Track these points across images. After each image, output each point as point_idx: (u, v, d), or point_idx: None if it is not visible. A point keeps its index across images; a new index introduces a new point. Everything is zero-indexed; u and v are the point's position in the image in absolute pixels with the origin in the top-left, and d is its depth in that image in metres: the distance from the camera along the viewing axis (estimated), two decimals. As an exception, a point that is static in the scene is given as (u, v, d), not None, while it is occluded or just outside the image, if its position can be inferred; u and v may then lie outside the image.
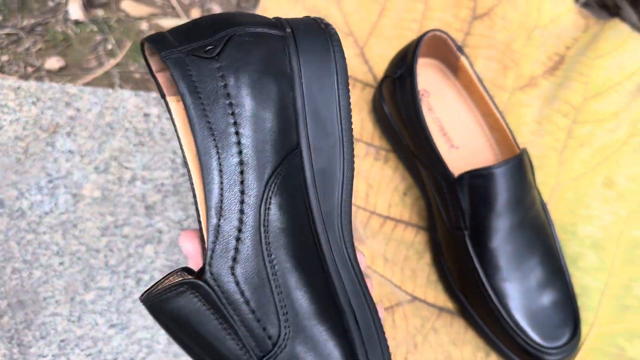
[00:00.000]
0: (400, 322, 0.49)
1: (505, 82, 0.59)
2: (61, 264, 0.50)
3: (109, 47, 0.66)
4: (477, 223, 0.48)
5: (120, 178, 0.53)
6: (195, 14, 0.70)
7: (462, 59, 0.52)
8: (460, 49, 0.52)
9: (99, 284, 0.50)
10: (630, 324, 0.52)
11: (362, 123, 0.58)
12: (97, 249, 0.51)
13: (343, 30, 0.60)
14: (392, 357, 0.48)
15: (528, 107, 0.58)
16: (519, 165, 0.47)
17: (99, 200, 0.53)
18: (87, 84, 0.62)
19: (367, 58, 0.60)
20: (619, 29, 0.58)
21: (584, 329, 0.52)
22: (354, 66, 0.60)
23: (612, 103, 0.57)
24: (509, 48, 0.59)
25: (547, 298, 0.49)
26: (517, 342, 0.48)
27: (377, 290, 0.50)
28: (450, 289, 0.52)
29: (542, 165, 0.56)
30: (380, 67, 0.59)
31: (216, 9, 0.71)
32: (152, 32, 0.68)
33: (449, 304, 0.52)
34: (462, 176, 0.48)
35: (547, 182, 0.56)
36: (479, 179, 0.47)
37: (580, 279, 0.53)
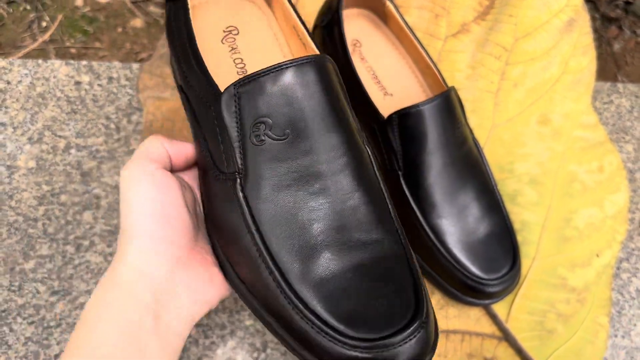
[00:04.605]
0: (341, 266, 0.49)
1: (438, 30, 0.60)
2: (-1, 236, 0.50)
3: (44, 24, 0.65)
4: (409, 162, 0.48)
5: (55, 147, 0.53)
6: (131, -13, 0.69)
7: (388, 4, 0.53)
8: (385, -6, 0.52)
9: (38, 253, 0.50)
10: (571, 254, 0.53)
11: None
12: (34, 218, 0.51)
13: (274, -10, 0.60)
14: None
15: (461, 53, 0.59)
16: (446, 102, 0.48)
17: (34, 170, 0.52)
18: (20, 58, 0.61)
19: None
20: (544, -31, 0.59)
21: (526, 262, 0.52)
22: (288, 24, 0.60)
23: (542, 42, 0.58)
24: (438, -4, 0.60)
25: (483, 232, 0.49)
26: (458, 276, 0.48)
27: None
28: (391, 232, 0.52)
29: (478, 109, 0.57)
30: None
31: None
32: (88, 7, 0.67)
33: (391, 248, 0.52)
34: (391, 117, 0.48)
35: (483, 124, 0.57)
36: (407, 117, 0.47)
37: (520, 215, 0.54)
